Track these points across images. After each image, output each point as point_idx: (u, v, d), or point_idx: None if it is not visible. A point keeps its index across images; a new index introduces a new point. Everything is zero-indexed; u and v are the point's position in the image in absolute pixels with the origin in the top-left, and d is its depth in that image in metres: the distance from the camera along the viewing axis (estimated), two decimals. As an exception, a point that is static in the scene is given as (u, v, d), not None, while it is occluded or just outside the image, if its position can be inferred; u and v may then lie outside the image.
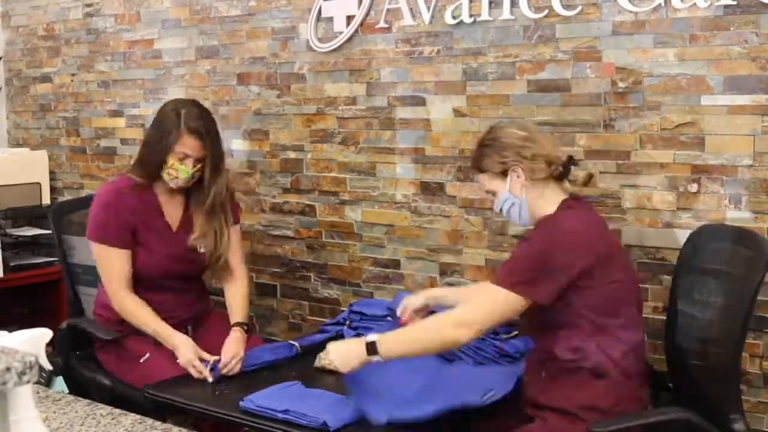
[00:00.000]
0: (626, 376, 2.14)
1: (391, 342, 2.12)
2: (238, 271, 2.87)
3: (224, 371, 2.52)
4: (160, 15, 3.81)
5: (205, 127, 2.67)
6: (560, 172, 2.22)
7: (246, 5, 3.51)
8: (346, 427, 2.11)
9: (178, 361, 2.56)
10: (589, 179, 2.30)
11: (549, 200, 2.21)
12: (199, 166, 2.68)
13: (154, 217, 2.76)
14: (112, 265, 2.71)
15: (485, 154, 2.25)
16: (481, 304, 2.13)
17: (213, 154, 2.69)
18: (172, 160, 2.65)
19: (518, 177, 2.21)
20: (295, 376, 2.45)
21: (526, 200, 2.22)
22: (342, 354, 2.15)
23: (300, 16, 3.35)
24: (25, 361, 1.13)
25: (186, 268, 2.81)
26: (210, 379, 2.49)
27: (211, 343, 2.68)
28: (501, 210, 2.28)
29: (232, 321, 2.75)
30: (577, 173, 2.26)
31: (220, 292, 3.05)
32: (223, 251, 2.80)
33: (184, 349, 2.56)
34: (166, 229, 2.78)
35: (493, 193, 2.28)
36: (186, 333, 2.70)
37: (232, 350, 2.57)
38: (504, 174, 2.23)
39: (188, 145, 2.64)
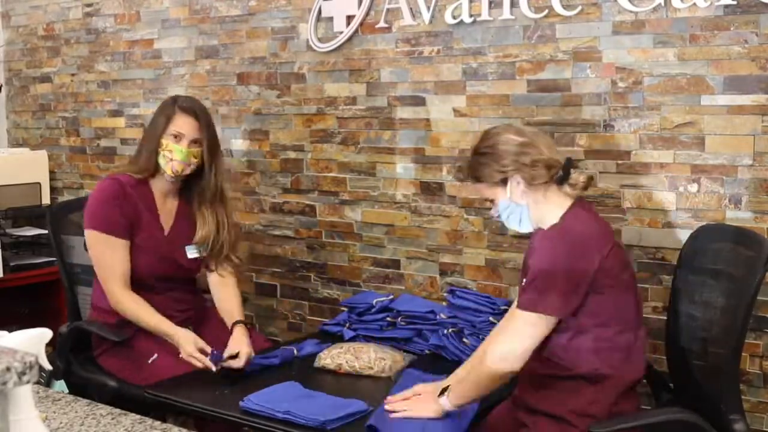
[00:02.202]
0: (622, 383, 2.12)
1: (457, 395, 2.16)
2: (228, 269, 2.87)
3: (234, 365, 2.50)
4: (160, 15, 3.81)
5: (199, 109, 2.75)
6: (560, 176, 2.14)
7: (246, 5, 3.51)
8: (345, 426, 2.11)
9: (180, 355, 2.56)
10: (589, 182, 2.20)
11: (552, 204, 2.15)
12: (195, 149, 2.70)
13: (149, 216, 2.76)
14: (113, 257, 2.67)
15: (482, 164, 2.17)
16: (515, 332, 2.10)
17: (209, 137, 2.73)
18: (166, 141, 2.68)
19: (518, 184, 2.14)
20: (295, 376, 2.45)
21: (526, 207, 2.16)
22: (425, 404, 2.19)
23: (300, 16, 3.35)
24: (25, 361, 1.12)
25: (174, 272, 2.80)
26: (213, 368, 2.49)
27: (213, 342, 2.68)
28: (500, 217, 2.22)
29: (232, 320, 2.73)
30: (577, 177, 2.17)
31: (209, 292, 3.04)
32: (225, 242, 2.81)
33: (185, 341, 2.56)
34: (159, 230, 2.78)
35: (492, 201, 2.21)
36: None
37: (238, 346, 2.57)
38: (503, 182, 2.16)
39: (182, 123, 2.69)
